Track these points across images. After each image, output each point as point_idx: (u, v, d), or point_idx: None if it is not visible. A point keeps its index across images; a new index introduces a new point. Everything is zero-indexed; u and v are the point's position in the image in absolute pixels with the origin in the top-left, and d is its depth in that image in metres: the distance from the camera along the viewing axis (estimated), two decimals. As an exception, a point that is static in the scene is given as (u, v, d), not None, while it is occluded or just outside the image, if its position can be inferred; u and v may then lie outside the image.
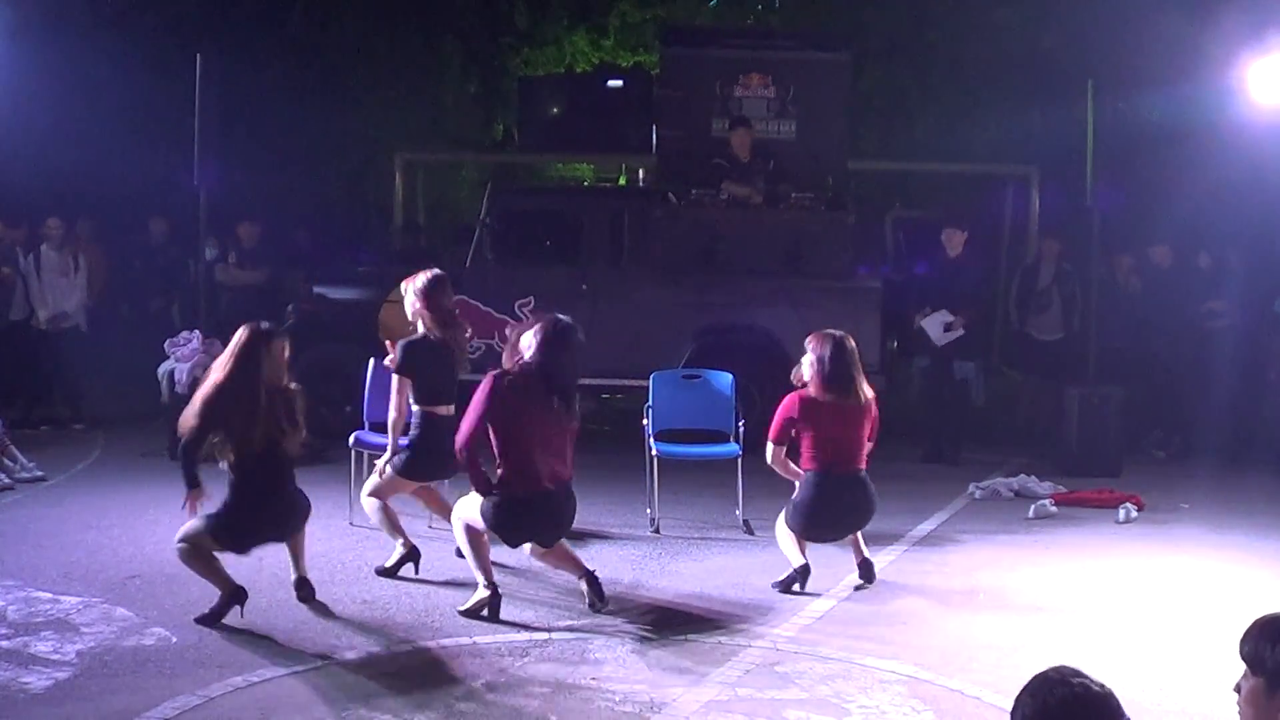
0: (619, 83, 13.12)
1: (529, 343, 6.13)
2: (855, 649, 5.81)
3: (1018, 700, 2.47)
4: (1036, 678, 2.48)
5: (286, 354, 6.20)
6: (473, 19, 16.30)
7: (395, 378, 6.88)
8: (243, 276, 11.71)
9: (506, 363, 6.18)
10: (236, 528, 6.01)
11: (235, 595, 5.97)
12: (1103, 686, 2.46)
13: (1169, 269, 11.34)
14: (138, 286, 12.77)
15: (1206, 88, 10.77)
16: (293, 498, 6.20)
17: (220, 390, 5.97)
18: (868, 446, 6.84)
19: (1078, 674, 2.47)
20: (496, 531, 6.22)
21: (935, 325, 10.53)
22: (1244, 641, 2.74)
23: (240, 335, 6.10)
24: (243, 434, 5.94)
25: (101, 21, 13.16)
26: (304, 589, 6.29)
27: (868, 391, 6.82)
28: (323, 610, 6.22)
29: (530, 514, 6.18)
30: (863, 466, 6.81)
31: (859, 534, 6.95)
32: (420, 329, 6.99)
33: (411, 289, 7.01)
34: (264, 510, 6.10)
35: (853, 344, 6.85)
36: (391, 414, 6.91)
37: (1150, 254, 11.43)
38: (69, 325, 11.42)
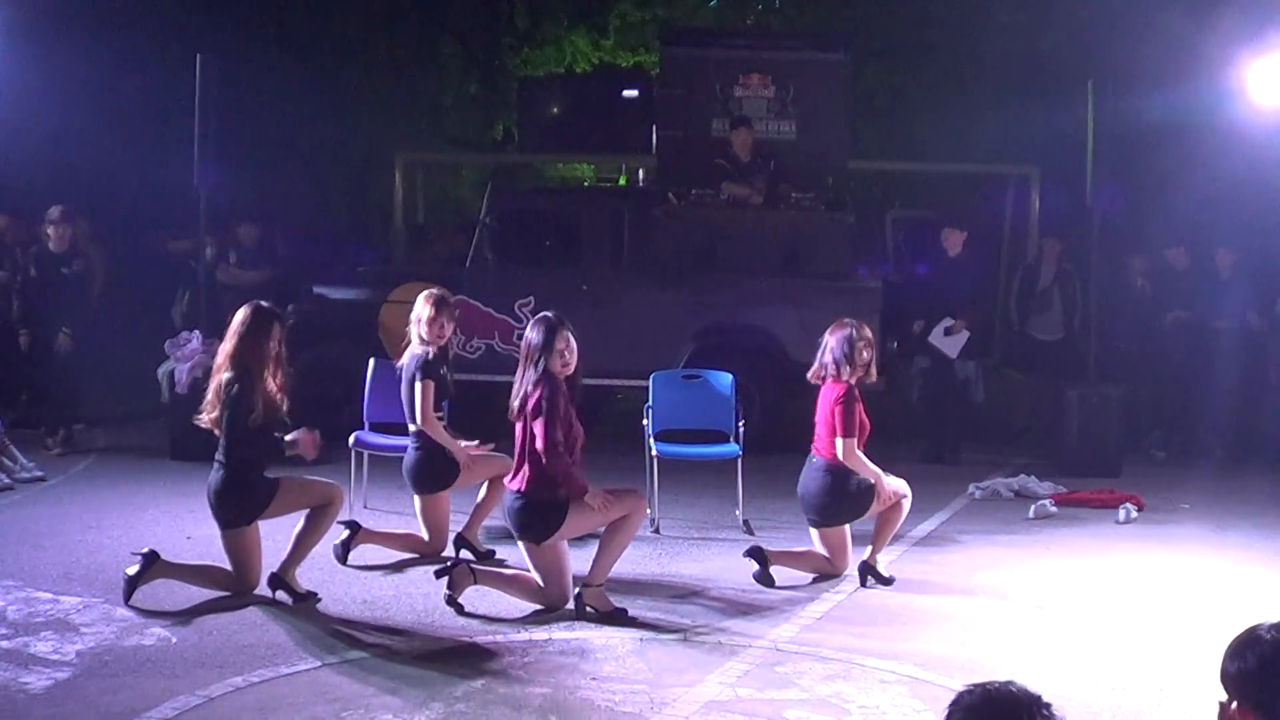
0: (634, 93, 13.05)
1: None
2: (855, 649, 5.81)
3: (946, 714, 2.47)
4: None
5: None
6: (472, 19, 16.30)
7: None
8: (243, 277, 11.70)
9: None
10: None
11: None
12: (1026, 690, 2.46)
13: (1183, 271, 11.30)
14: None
15: (1206, 88, 10.76)
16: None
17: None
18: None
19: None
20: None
21: (940, 337, 10.51)
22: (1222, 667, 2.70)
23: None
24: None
25: (101, 22, 13.13)
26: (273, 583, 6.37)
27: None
28: (323, 610, 6.23)
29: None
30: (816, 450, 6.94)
31: (877, 534, 6.98)
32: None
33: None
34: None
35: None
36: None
37: (1165, 255, 11.40)
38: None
